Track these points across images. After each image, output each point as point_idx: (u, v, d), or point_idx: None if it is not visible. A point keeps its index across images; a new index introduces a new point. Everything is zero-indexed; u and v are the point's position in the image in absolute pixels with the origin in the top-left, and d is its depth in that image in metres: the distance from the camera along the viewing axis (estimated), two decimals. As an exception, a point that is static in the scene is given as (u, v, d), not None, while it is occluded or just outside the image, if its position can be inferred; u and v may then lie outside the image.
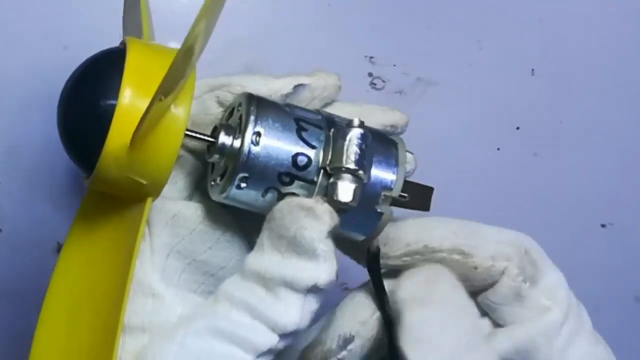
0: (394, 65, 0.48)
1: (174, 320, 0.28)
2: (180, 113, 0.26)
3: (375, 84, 0.48)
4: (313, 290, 0.26)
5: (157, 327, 0.28)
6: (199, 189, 0.31)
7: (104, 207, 0.29)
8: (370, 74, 0.48)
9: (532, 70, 0.50)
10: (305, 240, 0.26)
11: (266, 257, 0.27)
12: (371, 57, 0.47)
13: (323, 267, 0.26)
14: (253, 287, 0.26)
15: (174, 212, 0.29)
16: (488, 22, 0.50)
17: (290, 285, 0.26)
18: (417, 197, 0.31)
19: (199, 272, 0.30)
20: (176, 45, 0.44)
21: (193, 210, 0.30)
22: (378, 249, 0.31)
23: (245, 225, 0.31)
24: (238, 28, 0.44)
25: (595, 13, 0.51)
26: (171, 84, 0.25)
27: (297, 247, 0.26)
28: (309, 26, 0.47)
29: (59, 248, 0.43)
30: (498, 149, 0.51)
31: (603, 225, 0.53)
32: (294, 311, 0.26)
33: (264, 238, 0.27)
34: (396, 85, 0.48)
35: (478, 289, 0.31)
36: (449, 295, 0.30)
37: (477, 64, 0.49)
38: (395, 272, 0.31)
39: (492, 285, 0.30)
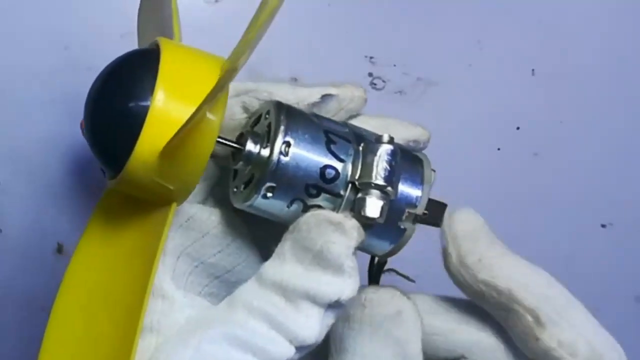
0: (394, 65, 0.48)
1: (182, 322, 0.28)
2: (214, 120, 0.26)
3: (375, 84, 0.48)
4: (334, 305, 0.26)
5: (166, 328, 0.27)
6: (213, 193, 0.31)
7: (125, 208, 0.28)
8: (370, 74, 0.48)
9: (533, 70, 0.50)
10: (332, 255, 0.26)
11: (287, 268, 0.26)
12: (371, 57, 0.47)
13: (348, 282, 0.26)
14: (272, 296, 0.26)
15: (190, 215, 0.29)
16: (488, 22, 0.50)
17: (313, 299, 0.26)
18: (433, 213, 0.30)
19: (205, 274, 0.30)
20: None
21: (207, 215, 0.30)
22: (385, 261, 0.30)
23: (256, 233, 0.31)
24: (238, 28, 0.44)
25: (595, 13, 0.51)
26: (214, 97, 0.24)
27: (322, 260, 0.26)
28: (309, 26, 0.47)
29: (59, 248, 0.43)
30: (498, 149, 0.50)
31: (603, 226, 0.53)
32: (315, 324, 0.26)
33: (285, 248, 0.27)
34: (396, 85, 0.48)
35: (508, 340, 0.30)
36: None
37: (477, 64, 0.49)
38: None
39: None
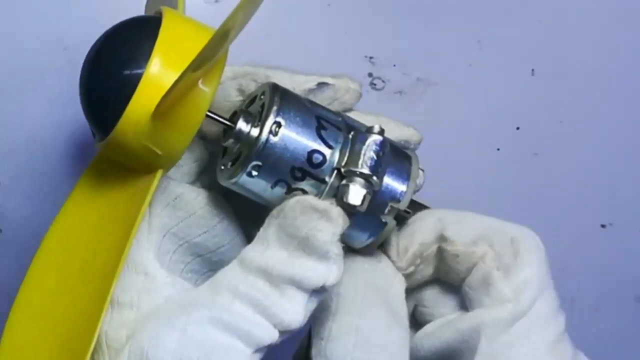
0: (394, 66, 0.48)
1: (161, 301, 0.28)
2: (207, 91, 0.26)
3: (375, 84, 0.48)
4: (319, 290, 0.27)
5: (145, 305, 0.28)
6: (203, 175, 0.31)
7: (111, 175, 0.29)
8: (370, 74, 0.48)
9: (532, 70, 0.50)
10: (318, 242, 0.26)
11: (271, 253, 0.27)
12: (371, 57, 0.47)
13: (332, 268, 0.26)
14: (256, 281, 0.26)
15: (177, 194, 0.29)
16: (488, 22, 0.50)
17: (298, 284, 0.26)
18: (415, 214, 0.31)
19: (189, 253, 0.30)
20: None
21: (195, 195, 0.30)
22: None
23: (243, 217, 0.31)
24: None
25: (595, 13, 0.51)
26: (202, 62, 0.25)
27: (307, 247, 0.26)
28: (309, 26, 0.47)
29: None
30: (498, 149, 0.51)
31: (603, 226, 0.53)
32: (299, 309, 0.26)
33: (269, 233, 0.27)
34: (396, 86, 0.48)
35: (458, 279, 0.31)
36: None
37: (477, 64, 0.49)
38: None
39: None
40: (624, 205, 0.53)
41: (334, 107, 0.31)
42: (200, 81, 0.26)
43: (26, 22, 0.42)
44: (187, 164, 0.31)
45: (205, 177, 0.31)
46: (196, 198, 0.30)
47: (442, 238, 0.30)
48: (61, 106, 0.42)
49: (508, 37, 0.50)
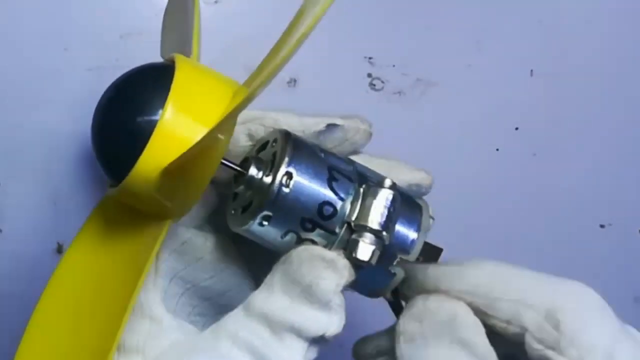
0: (393, 66, 0.48)
1: (167, 345, 0.28)
2: (222, 140, 0.26)
3: (374, 85, 0.48)
4: (318, 340, 0.26)
5: (150, 349, 0.27)
6: (210, 220, 0.31)
7: (121, 216, 0.28)
8: (369, 75, 0.48)
9: (531, 70, 0.50)
10: (321, 291, 0.26)
11: (275, 299, 0.26)
12: (370, 58, 0.47)
13: (334, 319, 0.26)
14: (257, 327, 0.26)
15: (185, 239, 0.29)
16: (487, 23, 0.50)
17: (298, 332, 0.26)
18: (427, 257, 0.30)
19: (196, 296, 0.30)
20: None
21: (203, 240, 0.30)
22: (397, 287, 0.30)
23: (250, 261, 0.31)
24: (238, 28, 0.44)
25: (594, 14, 0.51)
26: (227, 124, 0.24)
27: (310, 295, 0.26)
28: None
29: (59, 248, 0.43)
30: (497, 149, 0.51)
31: (602, 226, 0.53)
32: (297, 358, 0.26)
33: (275, 279, 0.27)
34: (395, 86, 0.48)
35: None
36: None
37: (476, 64, 0.49)
38: None
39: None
40: (623, 205, 0.53)
41: (345, 147, 0.31)
42: (215, 119, 0.25)
43: (26, 23, 0.42)
44: (195, 209, 0.30)
45: (215, 219, 0.31)
46: (204, 243, 0.30)
47: (474, 309, 0.28)
48: (61, 106, 0.42)
49: (507, 37, 0.50)
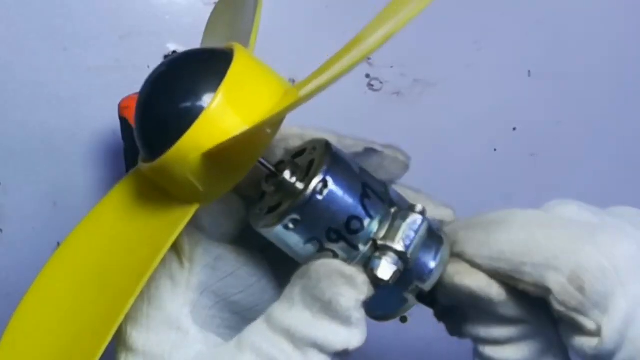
0: (392, 67, 0.48)
1: (192, 356, 0.28)
2: (266, 139, 0.26)
3: (372, 85, 0.48)
4: (341, 354, 0.27)
5: (175, 359, 0.28)
6: (243, 235, 0.31)
7: (146, 194, 0.28)
8: (367, 75, 0.48)
9: (529, 71, 0.50)
10: (341, 307, 0.26)
11: (296, 313, 0.27)
12: (368, 59, 0.48)
13: (355, 332, 0.26)
14: (280, 341, 0.26)
15: (217, 254, 0.29)
16: (485, 23, 0.50)
17: (320, 348, 0.26)
18: (434, 295, 0.30)
19: (226, 310, 0.30)
20: (174, 46, 0.44)
21: (235, 256, 0.30)
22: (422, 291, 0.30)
23: (280, 275, 0.31)
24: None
25: (593, 14, 0.52)
26: (277, 120, 0.24)
27: (330, 311, 0.26)
28: (307, 27, 0.47)
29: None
30: (495, 149, 0.51)
31: (599, 226, 0.53)
32: None
33: (295, 293, 0.27)
34: (394, 87, 0.48)
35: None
36: None
37: (474, 65, 0.49)
38: None
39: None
40: (623, 205, 0.53)
41: (379, 175, 0.31)
42: (261, 116, 0.25)
43: (25, 23, 0.42)
44: (229, 226, 0.30)
45: (246, 236, 0.31)
46: (236, 258, 0.30)
47: (500, 275, 0.28)
48: (61, 107, 0.42)
49: (505, 38, 0.50)
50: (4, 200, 0.42)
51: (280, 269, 0.30)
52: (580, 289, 0.26)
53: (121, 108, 0.40)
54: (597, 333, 0.26)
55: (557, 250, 0.27)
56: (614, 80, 0.52)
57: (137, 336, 0.28)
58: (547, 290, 0.27)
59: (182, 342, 0.28)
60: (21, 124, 0.42)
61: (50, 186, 0.43)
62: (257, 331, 0.27)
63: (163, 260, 0.29)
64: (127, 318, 0.28)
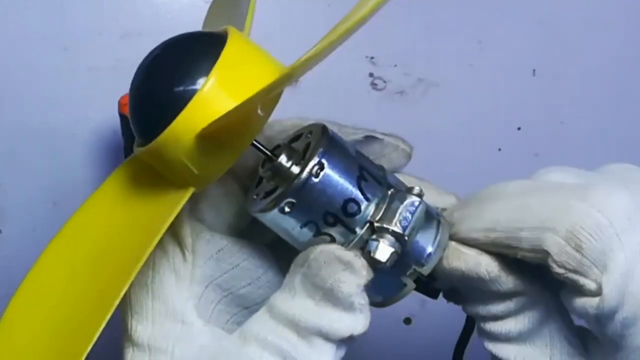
0: (395, 66, 0.48)
1: (196, 350, 0.28)
2: (261, 116, 0.26)
3: (376, 84, 0.48)
4: (346, 339, 0.26)
5: (179, 352, 0.28)
6: (250, 229, 0.31)
7: (142, 179, 0.28)
8: (371, 74, 0.48)
9: (534, 70, 0.50)
10: (343, 294, 0.26)
11: (299, 302, 0.26)
12: (372, 58, 0.47)
13: (359, 318, 0.26)
14: (284, 331, 0.26)
15: (221, 246, 0.29)
16: (489, 23, 0.49)
17: (325, 335, 0.26)
18: (433, 285, 0.30)
19: (234, 304, 0.30)
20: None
21: (239, 247, 0.30)
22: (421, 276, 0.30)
23: (286, 268, 0.31)
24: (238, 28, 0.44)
25: (595, 14, 0.51)
26: (267, 94, 0.24)
27: (333, 298, 0.26)
28: (310, 26, 0.47)
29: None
30: (499, 149, 0.50)
31: (604, 226, 0.53)
32: (328, 359, 0.26)
33: (295, 282, 0.27)
34: (397, 86, 0.48)
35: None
36: None
37: (478, 64, 0.49)
38: None
39: None
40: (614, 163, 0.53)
41: (382, 163, 0.31)
42: (257, 107, 0.25)
43: (26, 23, 0.42)
44: (232, 218, 0.30)
45: (252, 230, 0.31)
46: (240, 250, 0.30)
47: (496, 244, 0.28)
48: (61, 107, 0.42)
49: (509, 37, 0.50)
50: (3, 201, 0.42)
51: (287, 262, 0.30)
52: (578, 248, 0.26)
53: (121, 105, 0.39)
54: (598, 292, 0.26)
55: (551, 211, 0.27)
56: (618, 80, 0.52)
57: (142, 330, 0.28)
58: (546, 253, 0.26)
59: (186, 335, 0.28)
60: (21, 124, 0.42)
61: (50, 186, 0.42)
62: (260, 322, 0.27)
63: (166, 254, 0.29)
64: (132, 313, 0.28)
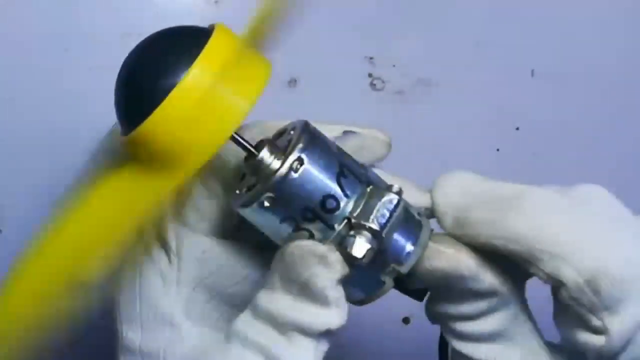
0: (394, 66, 0.48)
1: (187, 351, 0.28)
2: (241, 105, 0.26)
3: (375, 85, 0.48)
4: (325, 334, 0.27)
5: (171, 356, 0.28)
6: (233, 230, 0.31)
7: (126, 169, 0.28)
8: (370, 75, 0.48)
9: (532, 70, 0.50)
10: (317, 288, 0.26)
11: (278, 298, 0.27)
12: (371, 58, 0.48)
13: (335, 312, 0.26)
14: (265, 328, 0.27)
15: (205, 247, 0.30)
16: (487, 23, 0.50)
17: (302, 330, 0.26)
18: (413, 284, 0.30)
19: (223, 303, 0.30)
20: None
21: (224, 248, 0.30)
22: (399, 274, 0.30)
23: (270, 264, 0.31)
24: (238, 28, 0.44)
25: (594, 14, 0.51)
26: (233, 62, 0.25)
27: (308, 292, 0.26)
28: (309, 26, 0.47)
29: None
30: (497, 149, 0.51)
31: (603, 226, 0.53)
32: (308, 355, 0.26)
33: (275, 278, 0.27)
34: (396, 86, 0.48)
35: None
36: None
37: (476, 64, 0.49)
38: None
39: None
40: (624, 205, 0.53)
41: (363, 156, 0.31)
42: (238, 94, 0.26)
43: (27, 24, 0.42)
44: (215, 219, 0.31)
45: (239, 231, 0.31)
46: (225, 250, 0.30)
47: (514, 255, 0.27)
48: (61, 107, 0.42)
49: (507, 38, 0.50)
50: (4, 201, 0.42)
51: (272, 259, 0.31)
52: (596, 292, 0.26)
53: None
54: (602, 331, 0.26)
55: (575, 246, 0.27)
56: (617, 80, 0.52)
57: (133, 336, 0.28)
58: (560, 283, 0.26)
59: (175, 337, 0.29)
60: (22, 124, 0.42)
61: (50, 186, 0.42)
62: (243, 320, 0.27)
63: (152, 258, 0.29)
64: (122, 319, 0.29)
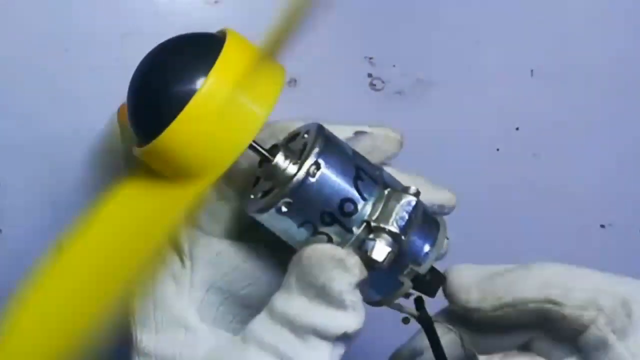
0: (394, 66, 0.48)
1: (202, 354, 0.28)
2: (258, 115, 0.26)
3: (374, 85, 0.48)
4: (342, 337, 0.27)
5: (187, 359, 0.28)
6: (249, 232, 0.31)
7: (144, 187, 0.28)
8: (369, 75, 0.48)
9: (532, 70, 0.50)
10: (334, 292, 0.26)
11: (294, 300, 0.27)
12: (370, 58, 0.47)
13: (352, 315, 0.27)
14: (282, 331, 0.27)
15: (218, 250, 0.30)
16: (487, 23, 0.50)
17: (319, 334, 0.26)
18: (431, 281, 0.31)
19: (237, 305, 0.30)
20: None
21: (236, 250, 0.30)
22: (421, 298, 0.31)
23: (285, 267, 0.31)
24: (238, 28, 0.44)
25: (594, 13, 0.51)
26: (251, 73, 0.25)
27: (325, 296, 0.26)
28: (309, 26, 0.47)
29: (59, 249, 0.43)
30: (497, 149, 0.51)
31: (602, 226, 0.53)
32: (324, 358, 0.26)
33: (291, 280, 0.27)
34: (396, 86, 0.48)
35: (570, 335, 0.30)
36: None
37: (476, 64, 0.49)
38: (489, 326, 0.31)
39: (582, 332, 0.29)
40: (623, 205, 0.53)
41: (375, 155, 0.31)
42: (254, 102, 0.26)
43: (27, 24, 0.42)
44: (227, 222, 0.31)
45: (251, 233, 0.31)
46: (238, 252, 0.30)
47: (548, 301, 0.30)
48: (61, 107, 0.42)
49: (507, 37, 0.50)
50: (3, 201, 0.42)
51: (288, 262, 0.31)
52: (628, 315, 0.28)
53: (121, 113, 0.40)
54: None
55: (604, 282, 0.29)
56: (617, 79, 0.52)
57: (148, 340, 0.28)
58: (598, 310, 0.28)
59: (190, 341, 0.29)
60: (21, 124, 0.42)
61: (50, 186, 0.43)
62: (259, 323, 0.27)
63: (165, 262, 0.29)
64: (136, 323, 0.29)
